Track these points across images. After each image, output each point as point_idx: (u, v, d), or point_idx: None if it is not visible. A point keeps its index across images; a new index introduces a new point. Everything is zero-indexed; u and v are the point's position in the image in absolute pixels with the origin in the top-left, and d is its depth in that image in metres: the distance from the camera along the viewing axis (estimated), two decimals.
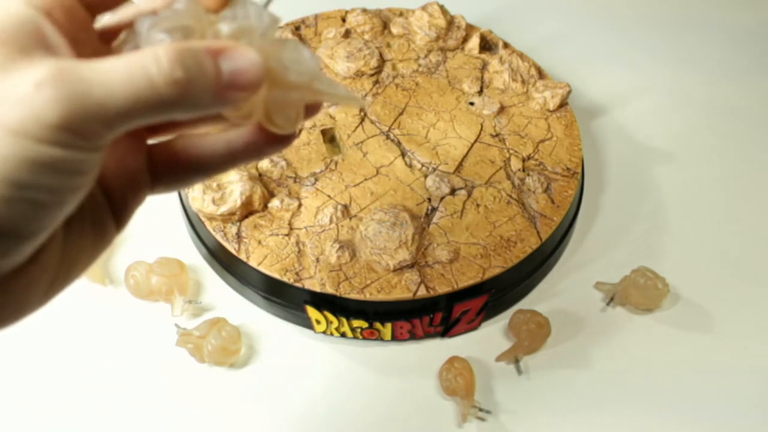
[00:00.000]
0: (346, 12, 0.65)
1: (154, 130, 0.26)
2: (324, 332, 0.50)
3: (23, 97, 0.18)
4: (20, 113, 0.18)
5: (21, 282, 0.21)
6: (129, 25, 0.22)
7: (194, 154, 0.25)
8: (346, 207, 0.51)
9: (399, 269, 0.48)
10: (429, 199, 0.52)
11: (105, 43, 0.24)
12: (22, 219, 0.19)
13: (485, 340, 0.51)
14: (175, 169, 0.25)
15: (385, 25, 0.64)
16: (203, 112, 0.21)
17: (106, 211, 0.24)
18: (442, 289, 0.47)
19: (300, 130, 0.56)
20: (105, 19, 0.23)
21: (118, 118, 0.19)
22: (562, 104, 0.59)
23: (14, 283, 0.21)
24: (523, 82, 0.60)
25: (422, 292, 0.47)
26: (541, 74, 0.61)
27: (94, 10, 0.23)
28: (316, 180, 0.53)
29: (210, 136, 0.25)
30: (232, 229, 0.50)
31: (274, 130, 0.24)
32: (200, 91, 0.20)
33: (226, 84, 0.21)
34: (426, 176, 0.53)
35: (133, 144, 0.25)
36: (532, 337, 0.49)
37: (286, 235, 0.50)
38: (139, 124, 0.20)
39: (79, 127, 0.19)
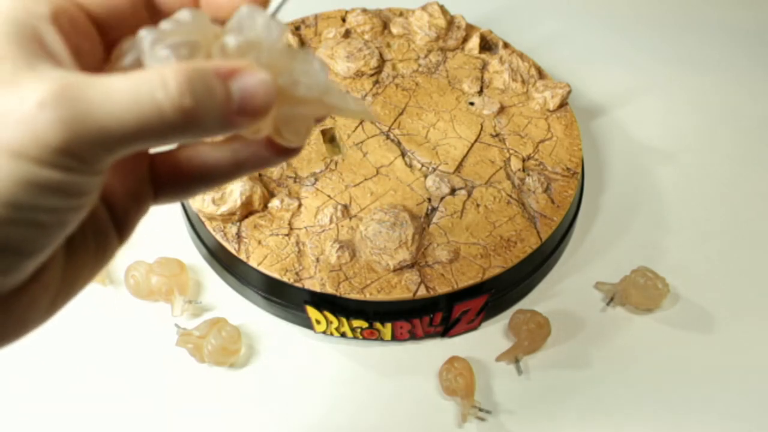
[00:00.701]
0: (346, 12, 0.65)
1: None
2: (324, 332, 0.50)
3: (25, 118, 0.18)
4: (21, 134, 0.18)
5: (23, 300, 0.21)
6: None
7: (198, 165, 0.24)
8: (346, 207, 0.51)
9: (399, 269, 0.48)
10: (429, 199, 0.52)
11: (109, 55, 0.23)
12: (22, 239, 0.19)
13: (485, 340, 0.51)
14: (178, 180, 0.25)
15: (385, 25, 0.64)
16: (210, 137, 0.21)
17: (108, 225, 0.24)
18: (442, 289, 0.47)
19: None
20: None
21: (121, 143, 0.19)
22: (562, 104, 0.59)
23: (16, 301, 0.21)
24: (523, 82, 0.60)
25: (422, 292, 0.47)
26: (541, 74, 0.61)
27: (100, 26, 0.23)
28: (316, 180, 0.53)
29: (215, 146, 0.25)
30: (232, 229, 0.50)
31: (283, 143, 0.24)
32: (208, 118, 0.20)
33: (236, 109, 0.20)
34: (426, 176, 0.53)
35: (134, 155, 0.24)
36: (532, 337, 0.49)
37: (286, 235, 0.50)
38: (142, 148, 0.20)
39: (81, 151, 0.18)
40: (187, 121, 0.19)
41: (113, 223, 0.24)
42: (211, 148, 0.24)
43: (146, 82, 0.19)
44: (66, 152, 0.18)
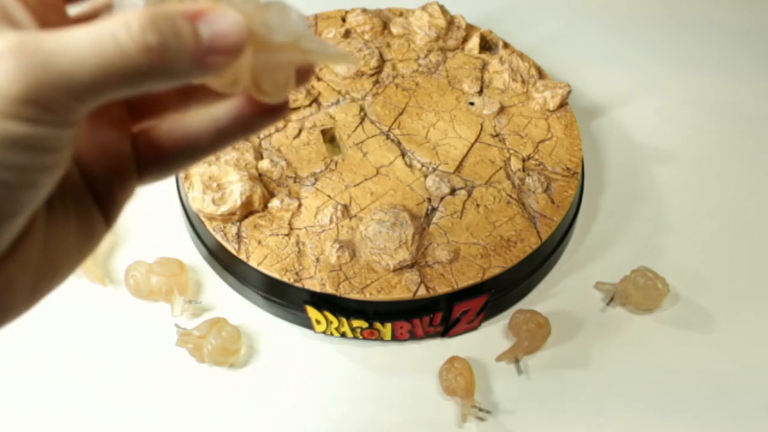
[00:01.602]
0: (346, 12, 0.65)
1: (139, 114, 0.25)
2: (324, 332, 0.50)
3: None
4: None
5: (0, 279, 0.20)
6: (107, 7, 0.21)
7: (180, 136, 0.24)
8: (346, 207, 0.51)
9: (399, 269, 0.48)
10: (429, 199, 0.52)
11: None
12: None
13: (485, 340, 0.51)
14: (161, 155, 0.24)
15: (385, 25, 0.64)
16: (183, 81, 0.20)
17: (92, 204, 0.23)
18: (442, 289, 0.47)
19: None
20: (81, 7, 0.22)
21: (89, 90, 0.18)
22: (562, 104, 0.59)
23: None
24: (523, 82, 0.60)
25: (422, 292, 0.47)
26: (541, 74, 0.61)
27: None
28: (316, 180, 0.53)
29: (195, 115, 0.24)
30: (232, 229, 0.50)
31: (263, 99, 0.23)
32: (177, 58, 0.19)
33: (205, 49, 0.19)
34: (426, 176, 0.53)
35: (115, 130, 0.23)
36: (532, 337, 0.49)
37: (286, 235, 0.50)
38: (114, 96, 0.19)
39: (45, 100, 0.18)
40: (154, 61, 0.19)
41: (97, 204, 0.23)
42: (191, 118, 0.24)
43: (109, 26, 0.18)
44: (29, 101, 0.17)
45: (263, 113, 0.23)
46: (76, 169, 0.23)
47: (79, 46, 0.18)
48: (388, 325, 0.48)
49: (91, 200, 0.23)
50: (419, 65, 0.61)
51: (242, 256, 0.49)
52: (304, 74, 0.24)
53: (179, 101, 0.25)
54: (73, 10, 0.22)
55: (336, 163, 0.54)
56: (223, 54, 0.20)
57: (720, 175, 0.62)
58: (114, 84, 0.18)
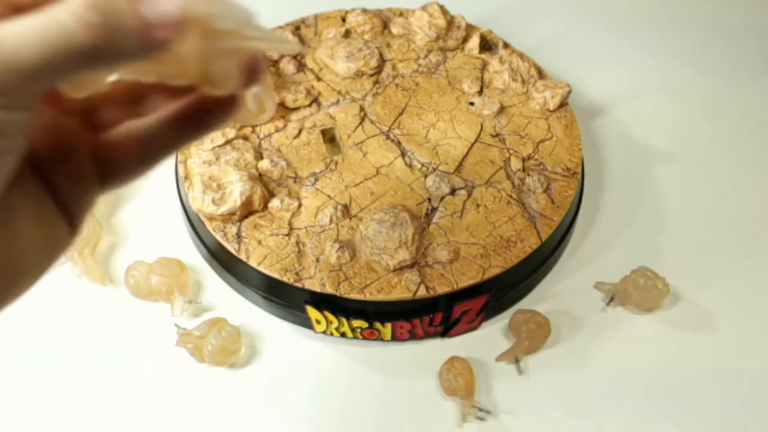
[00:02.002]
0: (346, 12, 0.65)
1: (94, 125, 0.25)
2: (324, 332, 0.50)
3: None
4: None
5: None
6: None
7: (136, 138, 0.24)
8: (346, 207, 0.51)
9: (399, 269, 0.48)
10: (429, 199, 0.52)
11: None
12: None
13: (485, 340, 0.51)
14: (119, 160, 0.24)
15: (385, 25, 0.64)
16: (131, 60, 0.20)
17: (54, 209, 0.23)
18: (442, 289, 0.47)
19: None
20: None
21: (38, 71, 0.19)
22: (562, 104, 0.59)
23: None
24: (523, 82, 0.60)
25: (422, 292, 0.47)
26: (541, 74, 0.61)
27: None
28: (316, 180, 0.53)
29: (149, 117, 0.24)
30: (232, 229, 0.50)
31: (214, 90, 0.23)
32: (122, 36, 0.19)
33: (149, 24, 0.20)
34: (426, 176, 0.53)
35: (70, 135, 0.24)
36: (532, 337, 0.49)
37: (286, 235, 0.50)
38: (64, 78, 0.19)
39: None
40: (98, 40, 0.19)
41: (60, 210, 0.24)
42: (145, 121, 0.24)
43: (53, 11, 0.19)
44: None
45: (214, 107, 0.24)
46: (31, 172, 0.23)
47: (26, 29, 0.18)
48: (388, 325, 0.48)
49: (53, 205, 0.23)
50: (419, 65, 0.61)
51: (242, 256, 0.49)
52: (252, 68, 0.24)
53: (133, 108, 0.25)
54: None
55: (336, 163, 0.54)
56: (166, 29, 0.20)
57: (720, 175, 0.62)
58: (62, 65, 0.19)
